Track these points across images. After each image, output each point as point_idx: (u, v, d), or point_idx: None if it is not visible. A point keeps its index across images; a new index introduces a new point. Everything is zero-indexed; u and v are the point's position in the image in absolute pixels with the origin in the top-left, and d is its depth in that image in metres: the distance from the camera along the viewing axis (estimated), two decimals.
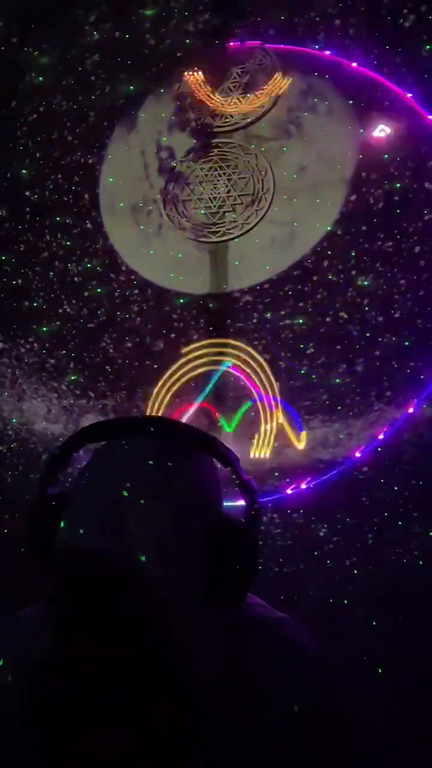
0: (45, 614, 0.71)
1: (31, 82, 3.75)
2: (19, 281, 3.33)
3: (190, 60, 3.42)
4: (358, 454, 2.61)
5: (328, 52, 3.22)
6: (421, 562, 2.39)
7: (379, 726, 1.96)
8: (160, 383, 2.93)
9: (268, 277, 3.07)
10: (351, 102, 3.14)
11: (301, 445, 2.68)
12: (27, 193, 3.56)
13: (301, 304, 2.91)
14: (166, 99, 3.51)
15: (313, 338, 2.82)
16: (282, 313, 2.92)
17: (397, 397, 2.61)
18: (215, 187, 3.37)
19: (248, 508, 0.72)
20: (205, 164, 3.37)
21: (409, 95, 3.01)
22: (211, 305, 3.19)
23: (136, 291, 3.23)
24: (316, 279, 2.92)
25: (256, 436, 2.73)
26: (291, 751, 0.68)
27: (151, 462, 0.68)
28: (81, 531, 0.64)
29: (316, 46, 3.26)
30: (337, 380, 2.79)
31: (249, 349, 2.91)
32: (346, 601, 2.40)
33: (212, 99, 3.37)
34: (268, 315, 3.00)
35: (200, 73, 3.39)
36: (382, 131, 2.97)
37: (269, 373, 2.81)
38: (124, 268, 3.31)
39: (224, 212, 3.36)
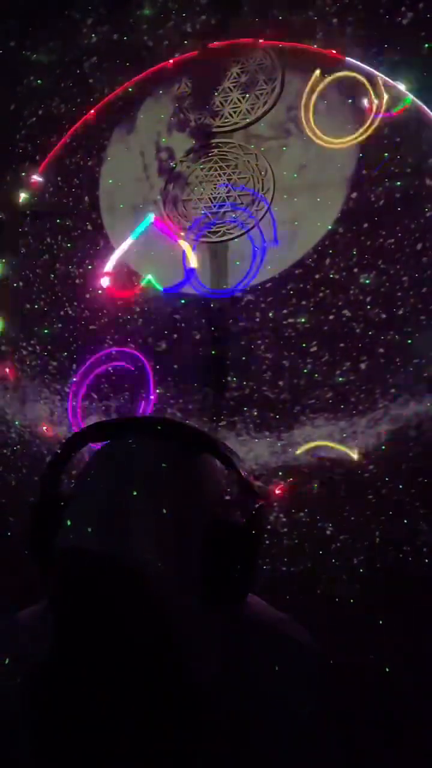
0: (45, 614, 0.71)
1: (29, 84, 3.75)
2: (20, 284, 3.33)
3: (189, 61, 3.42)
4: (362, 453, 2.60)
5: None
6: (427, 560, 2.38)
7: (384, 725, 1.95)
8: None
9: (270, 276, 3.06)
10: (350, 101, 3.14)
11: None
12: (27, 195, 3.55)
13: (304, 302, 2.90)
14: (164, 100, 3.51)
15: (316, 336, 2.82)
16: (284, 311, 2.92)
17: (401, 394, 2.60)
18: (215, 187, 3.37)
19: (249, 508, 0.71)
20: (205, 164, 3.37)
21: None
22: (212, 305, 3.19)
23: (138, 292, 3.23)
24: (318, 277, 2.92)
25: None
26: (291, 749, 0.67)
27: (152, 463, 0.68)
28: (82, 531, 0.64)
29: (315, 45, 3.26)
30: (341, 378, 2.78)
31: None
32: (353, 600, 2.38)
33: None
34: (271, 314, 2.99)
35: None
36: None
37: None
38: (125, 269, 3.31)
39: (224, 212, 3.36)
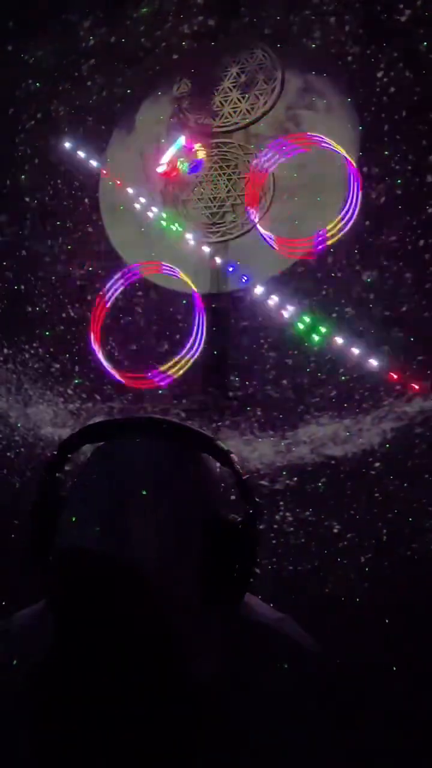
0: (43, 614, 0.71)
1: (27, 88, 3.76)
2: (22, 287, 3.32)
3: (187, 62, 3.42)
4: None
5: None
6: None
7: (392, 724, 1.94)
8: None
9: (272, 275, 3.06)
10: (349, 99, 3.15)
11: None
12: (27, 199, 3.55)
13: (306, 301, 2.89)
14: (163, 101, 3.52)
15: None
16: (287, 310, 2.91)
17: (406, 391, 2.60)
18: (215, 187, 3.37)
19: (246, 507, 0.71)
20: (205, 164, 3.37)
21: None
22: (214, 305, 3.18)
23: (140, 293, 3.23)
24: (321, 276, 2.91)
25: None
26: (290, 749, 0.67)
27: (151, 462, 0.68)
28: (82, 531, 0.64)
29: (313, 45, 3.27)
30: (344, 377, 2.77)
31: None
32: (361, 599, 2.37)
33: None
34: (272, 314, 2.98)
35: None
36: None
37: None
38: (126, 271, 3.30)
39: (224, 212, 3.36)
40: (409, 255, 2.76)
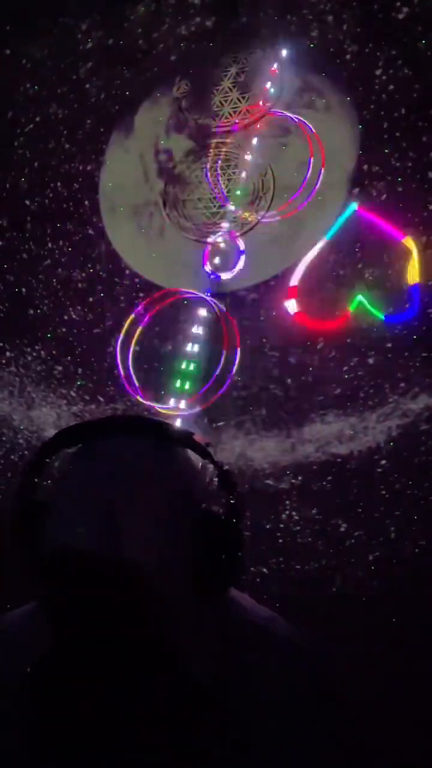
0: (35, 615, 0.72)
1: (26, 92, 3.76)
2: (23, 290, 3.31)
3: (186, 63, 3.42)
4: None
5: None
6: None
7: (394, 724, 1.93)
8: None
9: (274, 274, 3.05)
10: (348, 97, 3.15)
11: None
12: (27, 202, 3.55)
13: (308, 299, 2.89)
14: (162, 102, 3.52)
15: (323, 333, 2.80)
16: (290, 309, 2.90)
17: (411, 388, 2.58)
18: (215, 187, 3.36)
19: (229, 499, 0.72)
20: (205, 164, 3.37)
21: None
22: (216, 304, 3.17)
23: (141, 294, 3.22)
24: (323, 273, 2.90)
25: None
26: (280, 746, 0.68)
27: (134, 460, 0.68)
28: (73, 531, 0.63)
29: (311, 44, 3.27)
30: (347, 375, 2.76)
31: None
32: (370, 597, 2.36)
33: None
34: (274, 313, 2.98)
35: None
36: None
37: None
38: (127, 272, 3.30)
39: (224, 212, 3.35)
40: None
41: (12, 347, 3.13)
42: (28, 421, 2.96)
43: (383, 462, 2.53)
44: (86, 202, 3.51)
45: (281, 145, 3.24)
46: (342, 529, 2.46)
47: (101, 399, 3.03)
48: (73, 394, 3.05)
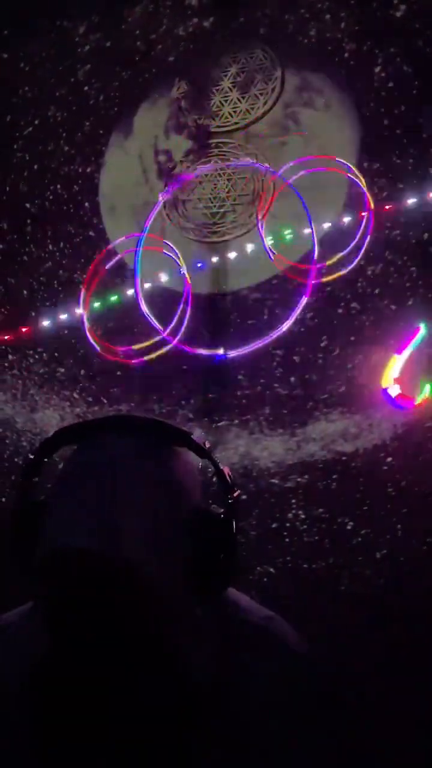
0: (32, 615, 0.72)
1: (24, 95, 3.76)
2: (24, 292, 3.31)
3: (185, 63, 3.43)
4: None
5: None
6: None
7: (396, 725, 1.92)
8: None
9: (276, 273, 3.05)
10: (347, 95, 3.15)
11: None
12: (27, 205, 3.55)
13: (312, 297, 2.88)
14: (161, 103, 3.52)
15: (326, 331, 2.80)
16: (292, 307, 2.90)
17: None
18: (215, 188, 3.36)
19: (226, 497, 0.72)
20: (205, 165, 3.37)
21: None
22: (219, 305, 3.17)
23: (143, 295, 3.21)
24: (325, 271, 2.90)
25: None
26: (278, 747, 0.68)
27: (132, 459, 0.68)
28: (69, 531, 0.63)
29: (309, 43, 3.27)
30: (353, 372, 2.76)
31: None
32: (377, 595, 2.35)
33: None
34: (278, 311, 2.97)
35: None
36: None
37: None
38: (128, 273, 3.30)
39: (224, 212, 3.35)
40: (415, 249, 2.75)
41: (15, 350, 3.13)
42: (32, 423, 2.96)
43: (389, 459, 2.52)
44: (86, 204, 3.51)
45: (281, 144, 3.24)
46: (349, 527, 2.46)
47: (105, 400, 3.02)
48: (76, 395, 3.05)
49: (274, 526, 2.56)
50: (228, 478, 0.73)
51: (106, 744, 0.61)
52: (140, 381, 3.01)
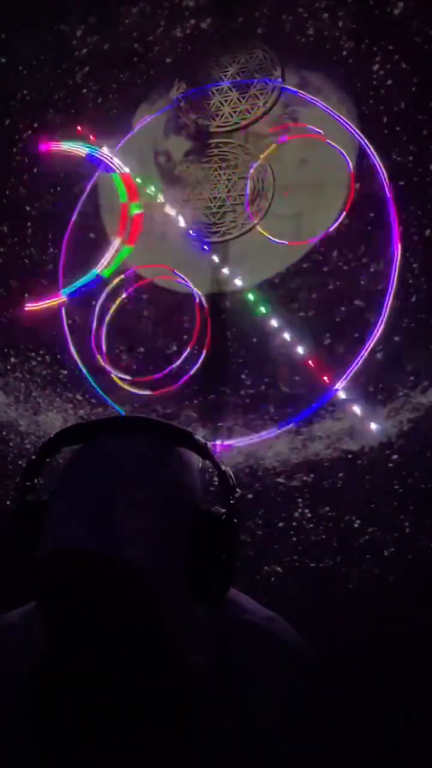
0: (34, 615, 0.72)
1: (23, 99, 3.76)
2: (26, 294, 3.31)
3: (184, 64, 3.43)
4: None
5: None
6: None
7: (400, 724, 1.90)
8: None
9: (278, 272, 3.04)
10: (347, 93, 3.15)
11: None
12: (27, 208, 3.55)
13: (314, 295, 2.88)
14: (159, 104, 3.52)
15: (330, 328, 2.79)
16: (295, 305, 2.90)
17: (420, 381, 2.57)
18: (215, 188, 3.36)
19: (227, 498, 0.72)
20: (204, 165, 3.37)
21: None
22: (220, 305, 3.17)
23: (145, 295, 3.21)
24: (327, 269, 2.90)
25: None
26: (278, 747, 0.68)
27: (133, 459, 0.68)
28: (69, 531, 0.63)
29: (306, 41, 3.27)
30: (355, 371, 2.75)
31: None
32: (385, 593, 2.33)
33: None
34: (281, 309, 2.97)
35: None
36: None
37: None
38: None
39: (224, 212, 3.35)
40: (417, 245, 2.75)
41: (17, 352, 3.13)
42: (35, 426, 2.95)
43: (395, 457, 2.51)
44: (86, 206, 3.51)
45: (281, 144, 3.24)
46: (356, 526, 2.45)
47: (108, 402, 3.01)
48: (79, 397, 3.04)
49: (280, 525, 2.55)
50: (230, 478, 0.72)
51: (107, 744, 0.61)
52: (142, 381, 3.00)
